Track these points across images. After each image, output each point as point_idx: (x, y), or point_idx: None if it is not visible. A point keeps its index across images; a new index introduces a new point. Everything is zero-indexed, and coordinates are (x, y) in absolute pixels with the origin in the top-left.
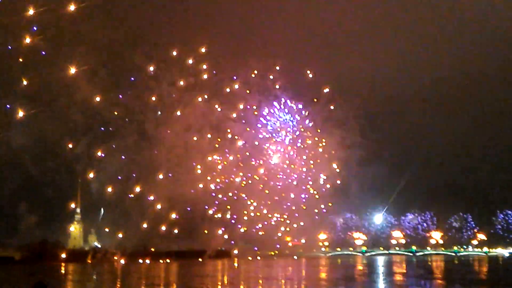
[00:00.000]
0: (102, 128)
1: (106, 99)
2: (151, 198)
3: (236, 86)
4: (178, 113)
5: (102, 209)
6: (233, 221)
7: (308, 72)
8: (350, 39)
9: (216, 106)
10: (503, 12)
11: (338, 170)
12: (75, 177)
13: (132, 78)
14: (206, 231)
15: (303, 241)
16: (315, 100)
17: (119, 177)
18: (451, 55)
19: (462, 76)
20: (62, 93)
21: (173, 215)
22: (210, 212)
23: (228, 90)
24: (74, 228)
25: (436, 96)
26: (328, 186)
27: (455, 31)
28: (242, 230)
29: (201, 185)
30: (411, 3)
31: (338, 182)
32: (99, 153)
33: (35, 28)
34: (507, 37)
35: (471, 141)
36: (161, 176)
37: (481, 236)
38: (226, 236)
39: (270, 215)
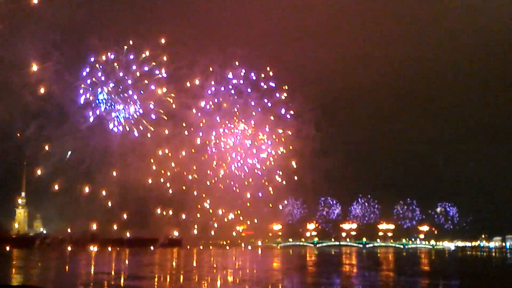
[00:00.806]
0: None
1: (61, 83)
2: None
3: (196, 80)
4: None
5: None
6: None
7: (268, 68)
8: (308, 32)
9: (172, 95)
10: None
11: (295, 166)
12: (21, 160)
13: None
14: (162, 213)
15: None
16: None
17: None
18: (406, 48)
19: (412, 69)
20: (14, 73)
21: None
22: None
23: (186, 82)
24: (19, 213)
25: (390, 89)
26: (284, 182)
27: (411, 22)
28: (195, 229)
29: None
30: None
31: (296, 178)
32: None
33: None
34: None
35: (421, 135)
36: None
37: (424, 228)
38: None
39: (223, 210)
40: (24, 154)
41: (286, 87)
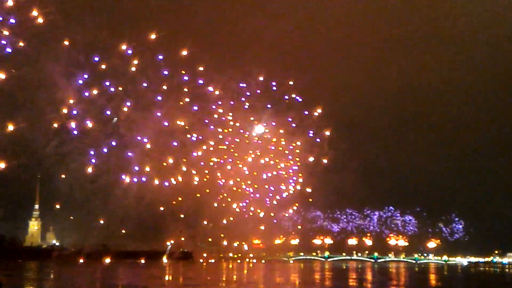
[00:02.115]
0: (74, 131)
1: (84, 100)
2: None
3: (213, 90)
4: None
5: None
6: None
7: (291, 83)
8: (324, 49)
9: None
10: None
11: (301, 180)
12: (35, 172)
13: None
14: (181, 231)
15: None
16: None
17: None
18: (420, 67)
19: (426, 87)
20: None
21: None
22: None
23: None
24: (32, 225)
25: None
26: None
27: (424, 43)
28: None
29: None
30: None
31: (309, 190)
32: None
33: None
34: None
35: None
36: (127, 180)
37: (432, 244)
38: (189, 238)
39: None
40: (38, 167)
41: (320, 110)
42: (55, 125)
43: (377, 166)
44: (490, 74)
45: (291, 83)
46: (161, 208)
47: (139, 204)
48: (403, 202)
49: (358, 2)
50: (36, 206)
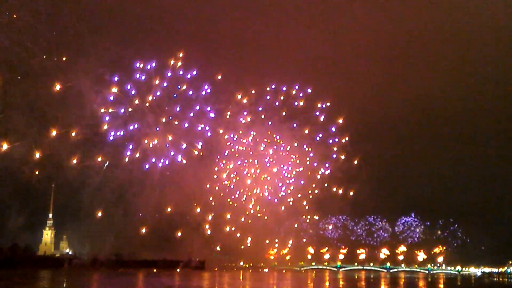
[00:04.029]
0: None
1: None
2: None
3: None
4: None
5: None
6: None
7: (309, 90)
8: (344, 61)
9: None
10: None
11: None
12: (49, 182)
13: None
14: (193, 240)
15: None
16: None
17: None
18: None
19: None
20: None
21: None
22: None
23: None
24: (46, 234)
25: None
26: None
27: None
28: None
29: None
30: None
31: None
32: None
33: None
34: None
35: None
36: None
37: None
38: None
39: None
40: (54, 178)
41: (341, 121)
42: (79, 137)
43: (391, 175)
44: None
45: (309, 90)
46: (168, 209)
47: (156, 214)
48: (411, 210)
49: (380, 13)
50: (50, 216)
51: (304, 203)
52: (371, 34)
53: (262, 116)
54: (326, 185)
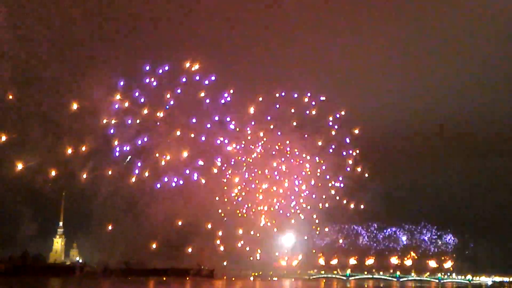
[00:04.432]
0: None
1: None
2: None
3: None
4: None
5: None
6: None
7: (323, 98)
8: (358, 70)
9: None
10: None
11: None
12: (60, 191)
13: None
14: (202, 249)
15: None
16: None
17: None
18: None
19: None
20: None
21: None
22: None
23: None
24: (56, 242)
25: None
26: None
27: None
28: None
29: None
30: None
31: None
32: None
33: None
34: None
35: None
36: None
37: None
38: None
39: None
40: (63, 185)
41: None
42: (91, 147)
43: (402, 185)
44: None
45: (323, 98)
46: (179, 223)
47: (167, 223)
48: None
49: (398, 23)
50: (61, 224)
51: (314, 216)
52: (387, 44)
53: (271, 126)
54: (338, 198)
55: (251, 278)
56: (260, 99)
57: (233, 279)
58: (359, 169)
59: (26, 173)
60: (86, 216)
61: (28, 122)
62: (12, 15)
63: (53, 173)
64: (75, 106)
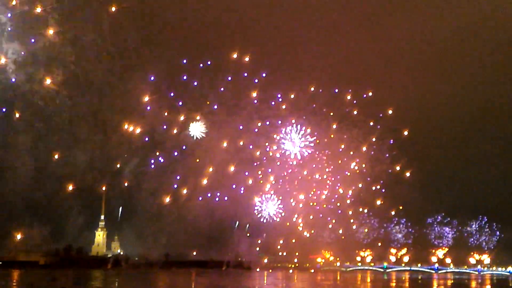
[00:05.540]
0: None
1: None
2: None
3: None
4: None
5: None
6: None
7: (370, 93)
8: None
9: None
10: None
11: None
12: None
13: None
14: (239, 241)
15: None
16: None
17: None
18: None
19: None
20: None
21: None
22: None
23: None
24: (98, 235)
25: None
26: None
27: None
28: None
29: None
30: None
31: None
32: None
33: None
34: None
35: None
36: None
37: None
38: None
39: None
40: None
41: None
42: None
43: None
44: None
45: (370, 94)
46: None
47: (206, 217)
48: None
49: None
50: (102, 217)
51: (350, 212)
52: (419, 35)
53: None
54: (379, 202)
55: (290, 271)
56: (292, 96)
57: (270, 271)
58: (397, 168)
59: (75, 170)
60: (128, 209)
61: (79, 122)
62: (64, 21)
63: (100, 169)
64: (121, 103)
